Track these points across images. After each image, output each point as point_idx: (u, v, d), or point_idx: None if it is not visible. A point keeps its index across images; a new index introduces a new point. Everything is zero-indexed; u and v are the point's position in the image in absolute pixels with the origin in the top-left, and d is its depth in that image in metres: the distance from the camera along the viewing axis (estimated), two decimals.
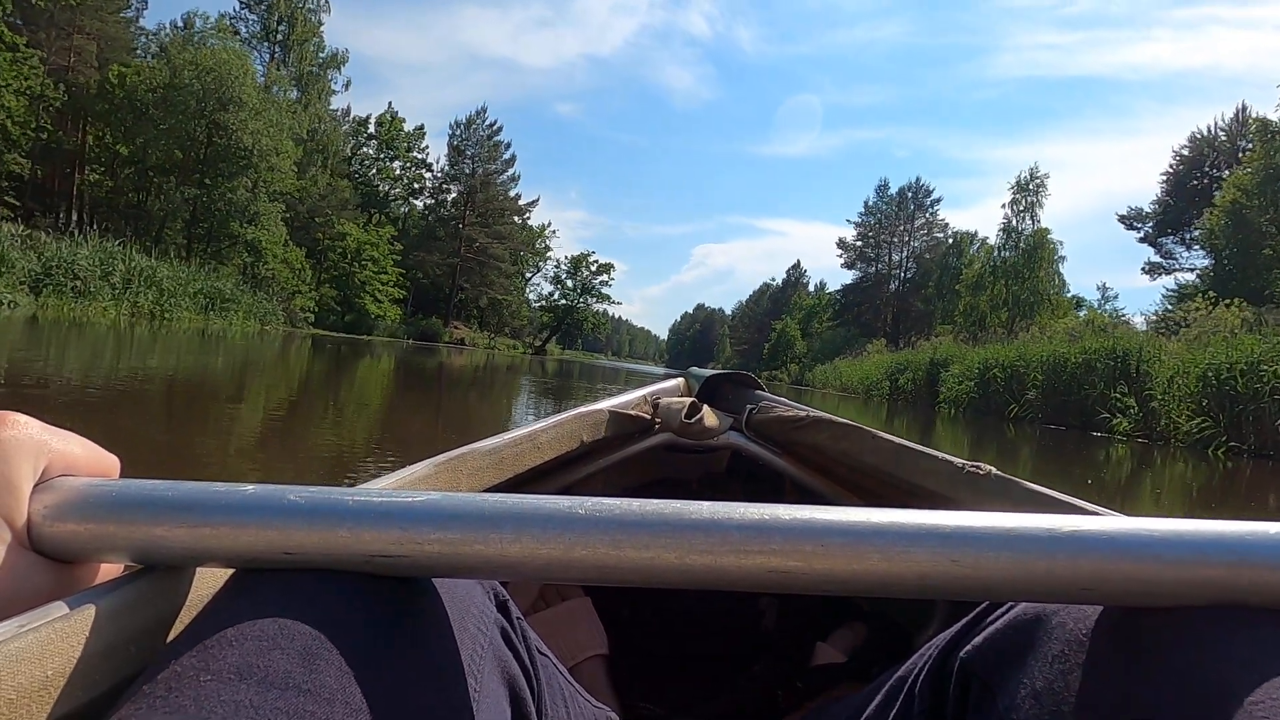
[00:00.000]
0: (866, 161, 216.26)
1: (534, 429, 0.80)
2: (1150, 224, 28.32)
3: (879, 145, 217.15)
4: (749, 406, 0.98)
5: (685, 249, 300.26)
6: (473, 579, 0.37)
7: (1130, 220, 29.00)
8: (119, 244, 16.32)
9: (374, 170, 41.63)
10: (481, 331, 46.07)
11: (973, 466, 0.69)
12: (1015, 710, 0.33)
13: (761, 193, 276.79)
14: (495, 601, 0.39)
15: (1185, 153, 27.28)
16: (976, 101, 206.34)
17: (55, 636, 0.27)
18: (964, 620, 0.40)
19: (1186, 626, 0.29)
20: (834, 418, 0.86)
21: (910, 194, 59.51)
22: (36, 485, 0.31)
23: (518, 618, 0.41)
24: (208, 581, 0.35)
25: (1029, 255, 32.77)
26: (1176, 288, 27.98)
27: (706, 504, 0.31)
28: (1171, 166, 28.01)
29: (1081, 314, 31.58)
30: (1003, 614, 0.37)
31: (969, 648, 0.38)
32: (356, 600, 0.29)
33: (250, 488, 0.31)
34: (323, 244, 33.56)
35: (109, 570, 0.33)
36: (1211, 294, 16.86)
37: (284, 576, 0.30)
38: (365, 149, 41.49)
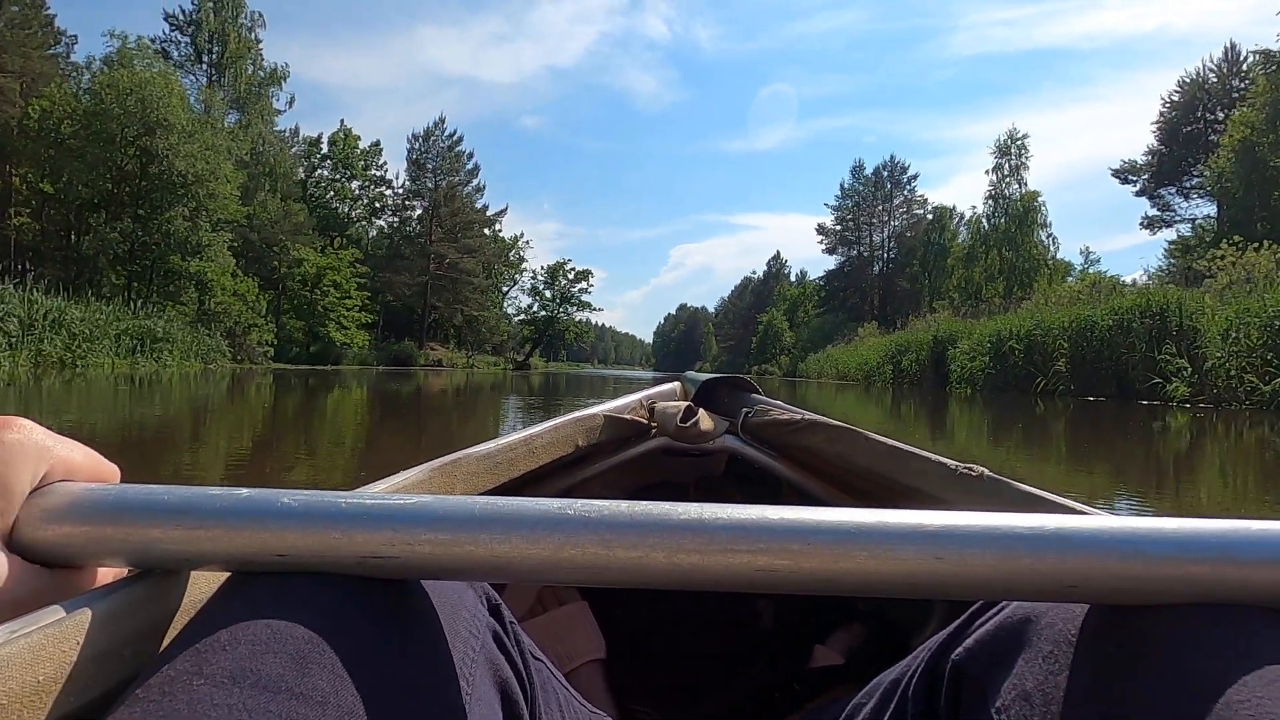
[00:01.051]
0: (835, 150, 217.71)
1: (529, 433, 0.80)
2: (1145, 175, 27.07)
3: (846, 133, 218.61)
4: (745, 410, 0.98)
5: (663, 251, 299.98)
6: (464, 580, 0.37)
7: (1124, 174, 27.79)
8: (14, 285, 14.34)
9: (331, 192, 39.71)
10: (459, 350, 44.18)
11: (965, 468, 0.69)
12: (1006, 711, 0.33)
13: (734, 189, 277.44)
14: (487, 605, 0.39)
15: (1176, 98, 26.09)
16: (938, 82, 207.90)
17: (47, 641, 0.27)
18: (956, 622, 0.40)
19: (1173, 624, 0.29)
20: (829, 420, 0.86)
21: (886, 173, 58.44)
22: (35, 489, 0.31)
23: (510, 622, 0.41)
24: (202, 585, 0.35)
25: (1020, 220, 31.50)
26: (1179, 239, 26.73)
27: (695, 505, 0.31)
28: (1162, 114, 26.80)
29: (1071, 280, 30.34)
30: (993, 615, 0.37)
31: (960, 649, 0.38)
32: (349, 604, 0.30)
33: (244, 491, 0.31)
34: (280, 273, 31.59)
35: (105, 575, 0.33)
36: (1237, 238, 15.41)
37: (277, 580, 0.30)
38: (320, 170, 39.58)
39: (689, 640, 0.94)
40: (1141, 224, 27.85)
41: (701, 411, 0.97)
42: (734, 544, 0.30)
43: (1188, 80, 26.23)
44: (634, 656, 0.91)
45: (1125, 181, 27.84)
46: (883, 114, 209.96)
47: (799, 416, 0.89)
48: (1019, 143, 32.58)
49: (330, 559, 0.30)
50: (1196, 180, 25.64)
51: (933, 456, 0.73)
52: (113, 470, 0.34)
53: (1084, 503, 0.58)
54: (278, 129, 35.77)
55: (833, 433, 0.84)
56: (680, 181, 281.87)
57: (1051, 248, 30.99)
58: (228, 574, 0.32)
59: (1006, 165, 32.75)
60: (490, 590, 0.40)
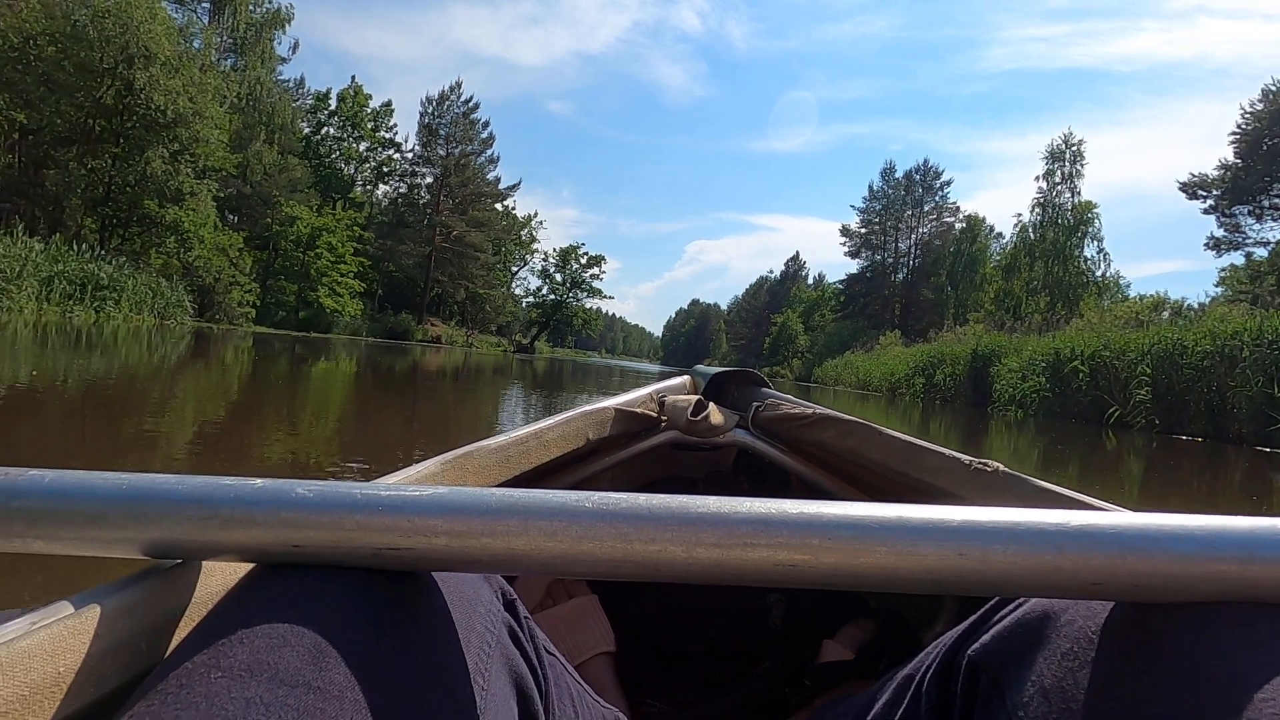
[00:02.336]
0: (858, 156, 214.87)
1: (540, 426, 0.80)
2: (1217, 191, 24.67)
3: (871, 140, 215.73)
4: (755, 404, 0.98)
5: (679, 245, 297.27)
6: (480, 574, 0.37)
7: (1193, 188, 25.35)
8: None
9: (336, 152, 37.67)
10: (461, 328, 42.19)
11: (980, 463, 0.69)
12: (1024, 708, 0.32)
13: (754, 189, 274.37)
14: (503, 600, 0.39)
15: (1259, 108, 23.68)
16: (968, 94, 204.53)
17: (67, 633, 0.27)
18: (972, 618, 0.40)
19: (1197, 622, 0.28)
20: (840, 415, 0.86)
21: (919, 177, 55.90)
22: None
23: (525, 616, 0.41)
24: (216, 577, 0.35)
25: (1070, 232, 29.15)
26: (1249, 262, 24.33)
27: (714, 498, 0.31)
28: (1240, 125, 24.33)
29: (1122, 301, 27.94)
30: (1011, 611, 0.37)
31: (977, 645, 0.37)
32: (366, 598, 0.30)
33: (258, 482, 0.31)
34: (271, 230, 29.58)
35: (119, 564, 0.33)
36: None
37: (293, 573, 0.30)
38: (327, 128, 37.52)
39: (699, 634, 0.94)
40: (1206, 245, 25.47)
41: (712, 405, 0.97)
42: (753, 538, 0.30)
43: (1274, 88, 23.75)
44: (644, 650, 0.91)
45: (1193, 197, 25.42)
46: (910, 123, 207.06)
47: (810, 411, 0.89)
48: (1074, 148, 30.18)
49: (346, 550, 0.30)
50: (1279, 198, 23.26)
51: (947, 451, 0.72)
52: None
53: (1102, 499, 0.56)
54: (281, 79, 33.73)
55: (845, 427, 0.84)
56: (701, 178, 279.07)
57: (1101, 264, 28.65)
58: (242, 564, 0.32)
59: (1059, 172, 30.36)
60: (505, 584, 0.40)
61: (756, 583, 0.30)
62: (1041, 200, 30.39)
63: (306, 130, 36.56)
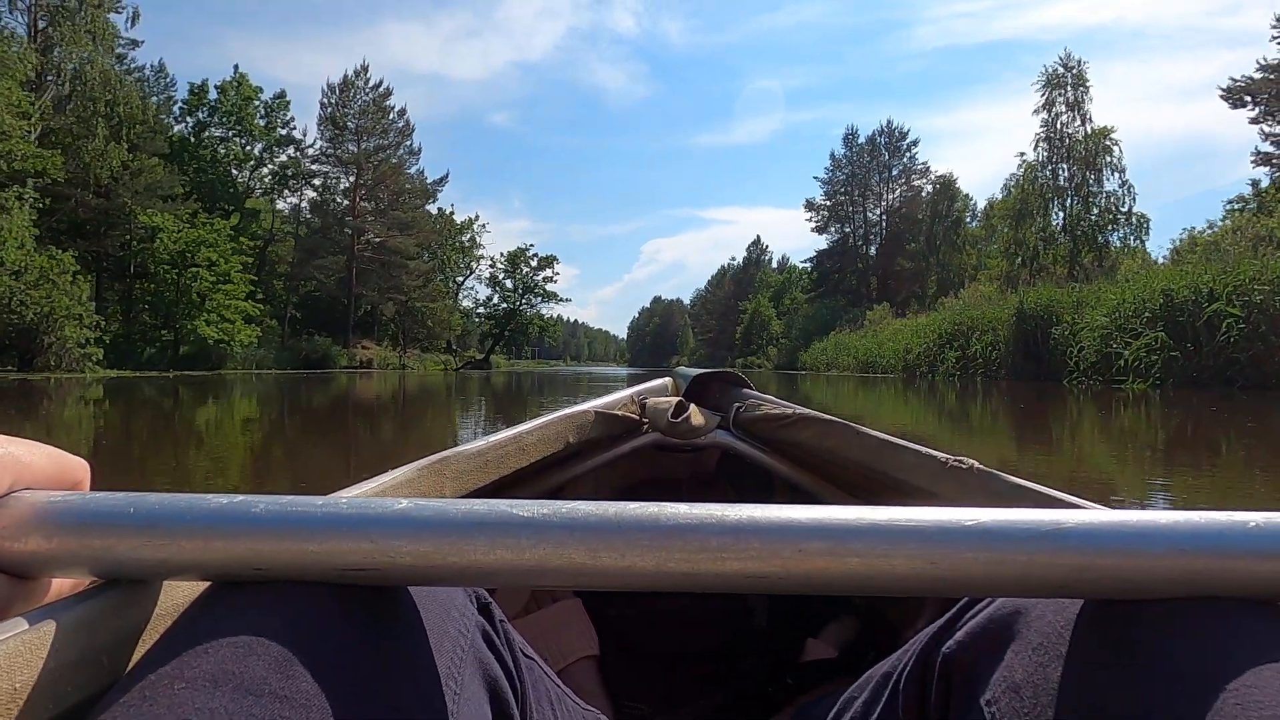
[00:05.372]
0: (803, 143, 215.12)
1: (520, 430, 0.79)
2: (1266, 95, 20.80)
3: (815, 126, 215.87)
4: (736, 405, 0.98)
5: (634, 247, 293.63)
6: (448, 586, 0.36)
7: (1237, 94, 21.47)
8: None
9: (225, 154, 31.84)
10: (396, 349, 36.71)
11: (956, 461, 0.70)
12: (995, 703, 0.33)
13: (704, 183, 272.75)
14: (477, 604, 0.39)
15: None
16: (903, 74, 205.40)
17: (24, 649, 0.27)
18: (947, 615, 0.40)
19: (1168, 618, 0.29)
20: (820, 415, 0.86)
21: (884, 140, 52.00)
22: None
23: (500, 620, 0.41)
24: (176, 594, 0.35)
25: (1087, 164, 25.11)
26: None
27: (684, 507, 0.31)
28: None
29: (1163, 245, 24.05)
30: (983, 608, 0.37)
31: (951, 642, 0.38)
32: (332, 607, 0.29)
33: (216, 500, 0.30)
34: (128, 248, 23.82)
35: (73, 584, 0.32)
36: None
37: (257, 587, 0.30)
38: (212, 130, 31.73)
39: (682, 635, 0.94)
40: (1253, 160, 21.61)
41: (693, 407, 0.96)
42: (723, 550, 0.29)
43: None
44: (627, 652, 0.91)
45: (1237, 105, 21.55)
46: (852, 107, 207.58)
47: (790, 411, 0.89)
48: (1074, 70, 26.15)
49: (310, 570, 0.30)
50: None
51: (923, 449, 0.73)
52: (81, 466, 0.33)
53: (1074, 494, 0.57)
54: (134, 64, 27.94)
55: (824, 427, 0.84)
56: (650, 177, 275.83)
57: (1126, 199, 24.66)
58: (203, 582, 0.31)
59: (1060, 100, 26.29)
60: (480, 589, 0.40)
61: (729, 591, 0.30)
62: (1045, 134, 26.32)
63: (181, 130, 30.70)
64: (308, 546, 0.29)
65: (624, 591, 0.31)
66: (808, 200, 54.44)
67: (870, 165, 52.12)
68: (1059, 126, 26.07)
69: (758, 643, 0.95)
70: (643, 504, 0.31)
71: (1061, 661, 0.31)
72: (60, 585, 0.32)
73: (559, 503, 0.31)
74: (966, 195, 45.38)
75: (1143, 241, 24.48)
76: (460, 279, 46.79)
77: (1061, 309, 15.81)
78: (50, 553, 0.29)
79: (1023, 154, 27.48)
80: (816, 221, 53.87)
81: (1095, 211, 24.61)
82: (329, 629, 0.28)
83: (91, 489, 0.33)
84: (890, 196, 51.28)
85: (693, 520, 0.30)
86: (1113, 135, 24.80)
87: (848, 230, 52.54)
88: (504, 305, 46.05)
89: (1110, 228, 24.36)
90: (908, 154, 51.64)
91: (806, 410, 0.88)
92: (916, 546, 0.29)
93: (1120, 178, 24.85)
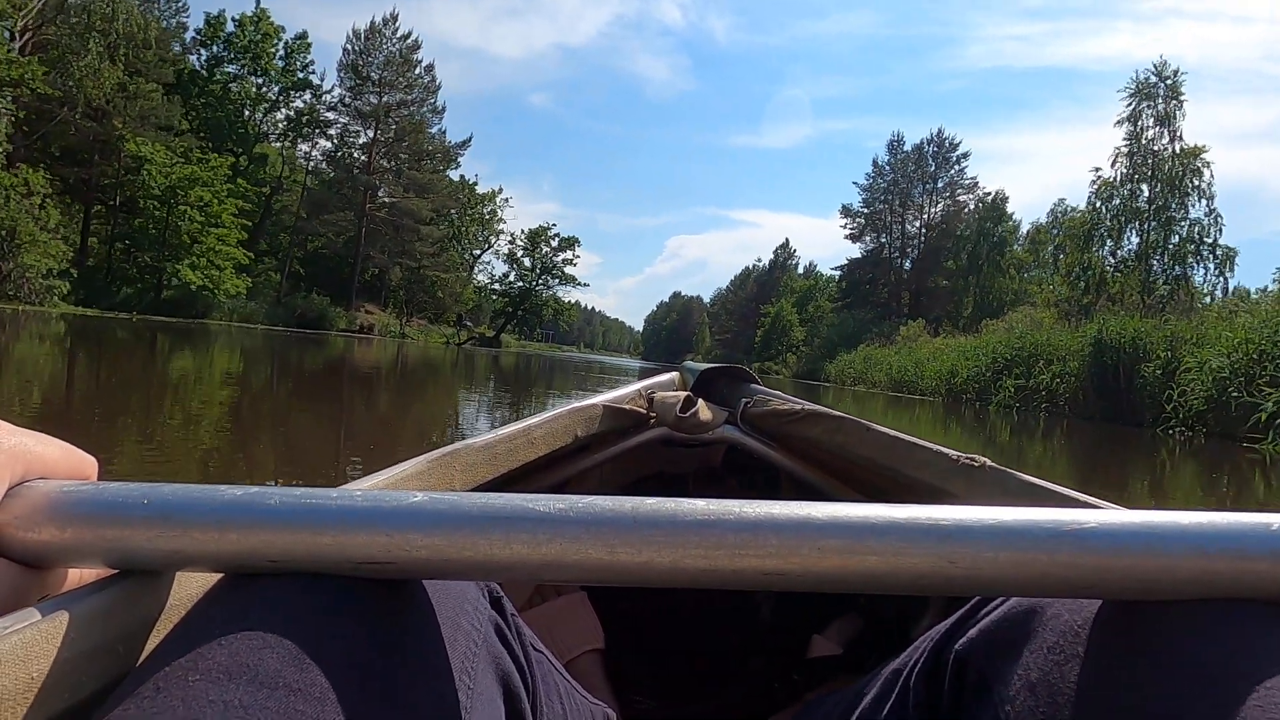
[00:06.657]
0: (836, 152, 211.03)
1: (528, 424, 0.80)
2: None
3: (849, 136, 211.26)
4: (744, 400, 0.98)
5: (659, 241, 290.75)
6: (462, 580, 0.37)
7: None
8: None
9: (236, 90, 29.96)
10: (399, 317, 34.84)
11: (968, 459, 0.70)
12: (1010, 702, 0.33)
13: (735, 184, 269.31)
14: (489, 598, 0.39)
15: None
16: (946, 92, 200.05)
17: (39, 638, 0.27)
18: (959, 612, 0.40)
19: (1186, 619, 0.29)
20: (829, 411, 0.86)
21: (932, 149, 49.36)
22: (11, 489, 0.30)
23: (512, 614, 0.41)
24: (190, 585, 0.35)
25: (1172, 186, 22.63)
26: None
27: (701, 503, 0.31)
28: None
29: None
30: (997, 606, 0.37)
31: (964, 640, 0.38)
32: (347, 601, 0.29)
33: (231, 491, 0.31)
34: (117, 178, 21.95)
35: (89, 572, 0.33)
36: None
37: (272, 580, 0.30)
38: (226, 66, 29.87)
39: (688, 631, 0.95)
40: None
41: (701, 402, 0.96)
42: (741, 546, 0.29)
43: None
44: (633, 647, 0.91)
45: None
46: (889, 120, 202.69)
47: (799, 407, 0.89)
48: (1169, 81, 23.61)
49: (324, 563, 0.30)
50: None
51: (934, 447, 0.73)
52: (90, 463, 0.33)
53: (1089, 494, 0.57)
54: None
55: (834, 423, 0.84)
56: (682, 172, 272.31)
57: (1212, 229, 22.18)
58: (217, 573, 0.31)
59: (1149, 114, 23.76)
60: (493, 583, 0.40)
61: (745, 588, 0.30)
62: (1128, 150, 23.82)
63: (192, 62, 28.83)
64: (322, 539, 0.29)
65: (636, 587, 0.31)
66: (844, 206, 51.96)
67: (914, 175, 49.49)
68: (1144, 142, 23.57)
69: (763, 639, 0.96)
70: (659, 499, 0.31)
71: (1079, 661, 0.30)
72: (74, 575, 0.32)
73: (575, 497, 0.30)
74: (1014, 215, 42.82)
75: (1226, 277, 22.03)
76: (478, 252, 44.99)
77: (1152, 344, 13.54)
78: (64, 543, 0.30)
79: (1098, 169, 24.92)
80: (851, 229, 51.40)
81: (1176, 239, 22.16)
82: (343, 622, 0.28)
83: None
84: (932, 210, 48.69)
85: (710, 516, 0.30)
86: (1204, 156, 22.30)
87: (883, 240, 50.04)
88: (520, 284, 44.26)
89: (1191, 259, 21.90)
90: (956, 166, 48.99)
91: (816, 406, 0.87)
92: (936, 545, 0.29)
93: (1208, 204, 22.38)
